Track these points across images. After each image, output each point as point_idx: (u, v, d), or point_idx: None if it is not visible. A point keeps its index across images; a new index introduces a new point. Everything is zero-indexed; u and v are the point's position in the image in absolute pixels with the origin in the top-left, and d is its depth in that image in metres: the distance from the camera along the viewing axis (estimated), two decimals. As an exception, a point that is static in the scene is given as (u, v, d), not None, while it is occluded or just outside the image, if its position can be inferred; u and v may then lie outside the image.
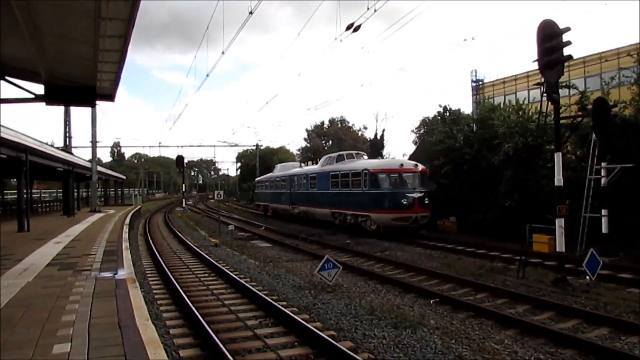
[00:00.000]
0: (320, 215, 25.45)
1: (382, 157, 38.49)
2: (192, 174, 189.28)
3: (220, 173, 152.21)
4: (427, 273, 12.65)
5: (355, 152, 26.44)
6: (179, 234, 22.58)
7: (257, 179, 42.52)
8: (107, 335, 5.05)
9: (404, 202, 20.02)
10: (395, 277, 11.99)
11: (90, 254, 11.01)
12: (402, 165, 21.23)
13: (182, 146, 57.50)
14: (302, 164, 35.16)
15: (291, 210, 29.66)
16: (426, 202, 20.39)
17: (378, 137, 40.61)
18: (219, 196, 24.31)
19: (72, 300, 6.52)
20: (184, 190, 53.65)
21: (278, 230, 24.52)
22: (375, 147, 39.35)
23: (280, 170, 35.38)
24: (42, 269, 9.04)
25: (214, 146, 58.44)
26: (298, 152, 72.03)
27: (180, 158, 41.39)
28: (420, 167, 21.80)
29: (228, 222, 29.19)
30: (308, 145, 67.89)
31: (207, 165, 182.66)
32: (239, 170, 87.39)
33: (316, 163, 27.23)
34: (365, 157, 25.97)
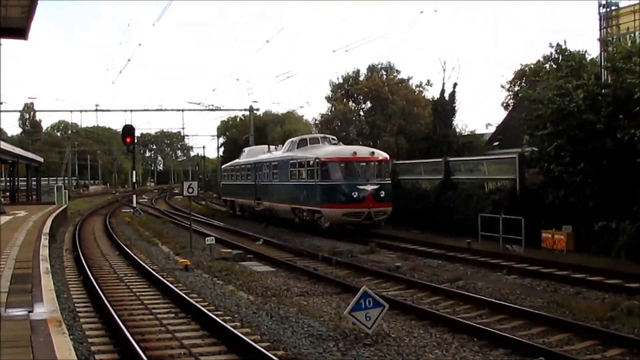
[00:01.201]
0: (282, 212, 32.58)
1: (451, 126, 40.41)
2: (149, 154, 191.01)
3: (193, 154, 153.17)
4: (525, 316, 12.64)
5: (322, 135, 33.58)
6: (128, 250, 22.95)
7: (223, 167, 48.44)
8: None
9: (354, 195, 26.37)
10: (474, 323, 12.04)
11: (-10, 279, 11.17)
12: (355, 153, 28.00)
13: (132, 110, 57.25)
14: (272, 147, 39.21)
15: (256, 207, 36.74)
16: (382, 195, 26.85)
17: (446, 96, 40.27)
18: (190, 190, 24.44)
19: (-36, 352, 6.61)
20: (135, 180, 54.04)
21: (285, 246, 24.82)
22: (442, 111, 39.14)
23: (247, 155, 41.49)
24: None
25: (183, 110, 58.07)
26: (315, 122, 71.98)
27: (129, 130, 41.58)
28: (380, 155, 28.58)
29: (205, 232, 29.39)
30: (331, 110, 67.56)
31: (172, 142, 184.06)
32: (222, 149, 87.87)
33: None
34: (335, 142, 32.21)
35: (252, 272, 18.74)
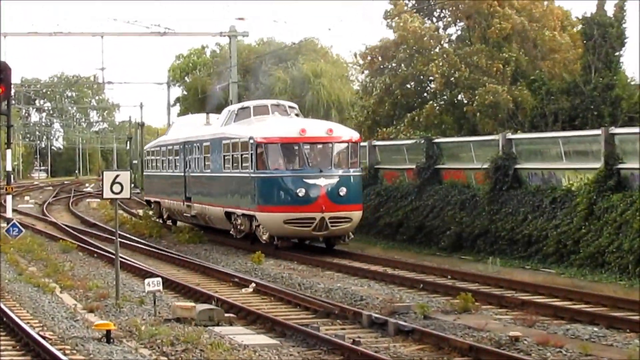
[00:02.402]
0: (215, 218, 39.02)
1: (617, 69, 41.96)
2: (37, 119, 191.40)
3: (122, 119, 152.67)
4: None
5: (275, 102, 39.26)
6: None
7: (145, 147, 57.06)
8: None
9: (300, 194, 31.68)
10: None
11: None
12: (303, 130, 32.92)
13: (7, 35, 57.24)
14: (213, 117, 44.55)
15: (186, 212, 43.20)
16: (342, 194, 31.89)
17: (608, 12, 40.10)
18: (116, 189, 24.43)
19: None
20: (10, 168, 54.38)
21: (297, 297, 25.02)
22: (601, 40, 38.99)
23: (177, 130, 47.79)
24: None
25: (102, 36, 57.96)
26: (357, 56, 71.77)
27: (1, 71, 41.83)
28: (344, 134, 34.19)
29: (145, 267, 29.97)
30: (394, 30, 67.04)
31: (81, 96, 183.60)
32: (178, 107, 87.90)
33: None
34: (295, 112, 37.97)
35: (234, 347, 18.71)
